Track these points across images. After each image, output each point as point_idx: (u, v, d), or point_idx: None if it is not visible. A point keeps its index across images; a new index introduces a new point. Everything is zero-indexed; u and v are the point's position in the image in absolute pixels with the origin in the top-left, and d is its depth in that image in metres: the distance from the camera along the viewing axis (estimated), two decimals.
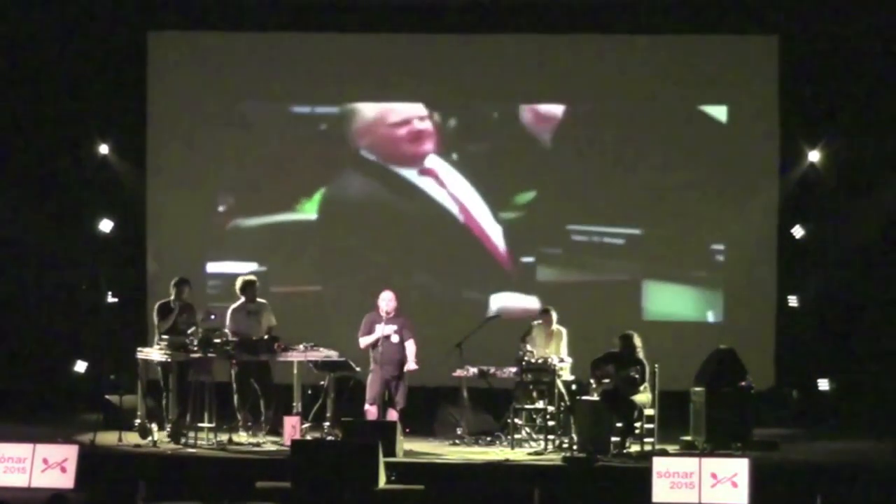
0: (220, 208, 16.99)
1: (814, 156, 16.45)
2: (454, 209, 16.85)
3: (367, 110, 16.92)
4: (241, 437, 13.85)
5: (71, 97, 16.53)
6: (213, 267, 16.86)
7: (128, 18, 16.68)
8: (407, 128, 16.91)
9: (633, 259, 16.77)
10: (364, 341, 14.08)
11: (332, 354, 14.01)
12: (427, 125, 16.88)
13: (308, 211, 17.00)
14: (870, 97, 16.05)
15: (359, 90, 16.86)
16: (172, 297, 14.05)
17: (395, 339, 13.98)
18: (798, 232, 16.45)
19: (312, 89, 16.96)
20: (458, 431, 14.23)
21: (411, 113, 16.90)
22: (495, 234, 16.83)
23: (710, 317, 16.72)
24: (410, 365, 13.95)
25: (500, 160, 16.85)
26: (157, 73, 16.89)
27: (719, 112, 16.74)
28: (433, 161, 16.87)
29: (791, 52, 16.40)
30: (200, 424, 13.49)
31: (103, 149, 16.79)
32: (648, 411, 13.55)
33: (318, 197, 16.98)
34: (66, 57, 16.48)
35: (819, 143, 16.39)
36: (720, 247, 16.70)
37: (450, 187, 16.85)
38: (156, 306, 14.12)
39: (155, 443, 13.39)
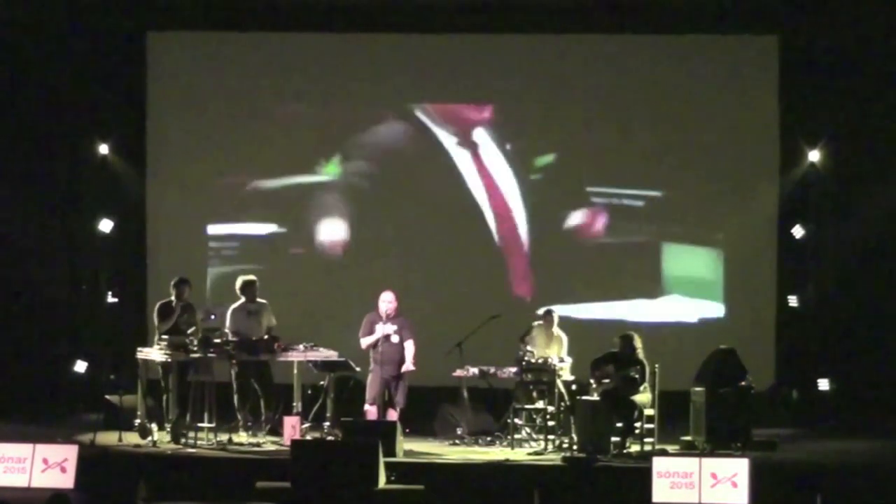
0: (220, 208, 16.97)
1: (814, 156, 16.44)
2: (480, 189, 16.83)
3: None
4: (241, 437, 13.84)
5: (71, 97, 16.53)
6: (213, 266, 16.85)
7: (128, 18, 16.67)
8: None
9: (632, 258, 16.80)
10: (365, 342, 14.10)
11: (332, 354, 14.02)
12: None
13: (309, 211, 16.98)
14: (870, 97, 16.04)
15: (360, 91, 16.85)
16: (173, 298, 14.05)
17: (395, 339, 14.00)
18: (798, 232, 16.44)
19: (312, 89, 16.94)
20: (458, 431, 14.24)
21: None
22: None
23: (711, 317, 16.70)
24: (408, 366, 13.96)
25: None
26: (157, 73, 16.89)
27: (719, 112, 16.72)
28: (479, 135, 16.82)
29: (791, 52, 16.39)
30: (200, 424, 13.49)
31: (103, 149, 16.78)
32: (648, 411, 13.55)
33: (319, 197, 16.98)
34: (65, 57, 16.48)
35: (819, 143, 16.39)
36: (720, 247, 16.68)
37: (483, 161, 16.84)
38: (157, 306, 14.12)
39: (155, 443, 13.39)
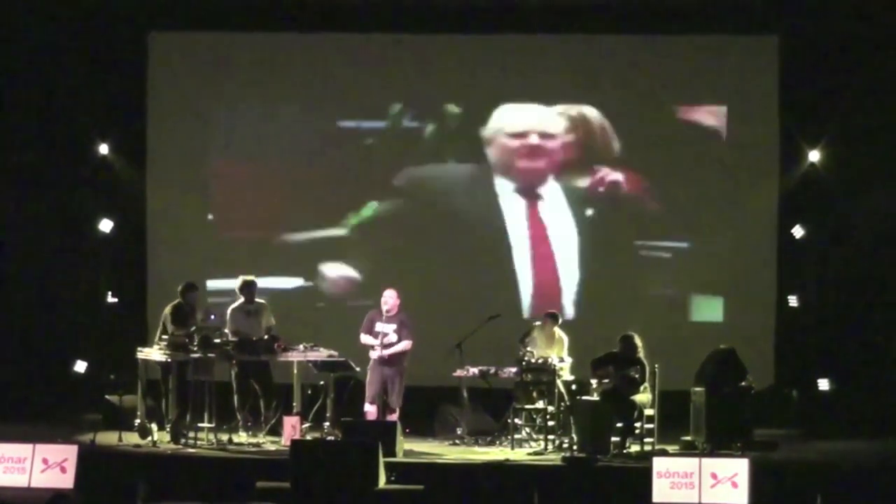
0: (221, 208, 16.96)
1: (814, 156, 16.44)
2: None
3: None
4: (241, 437, 13.85)
5: (71, 97, 16.53)
6: (212, 266, 16.83)
7: (128, 18, 16.66)
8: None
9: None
10: (363, 340, 14.13)
11: (333, 354, 14.02)
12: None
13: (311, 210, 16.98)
14: (870, 97, 16.03)
15: (359, 90, 16.84)
16: (183, 301, 14.02)
17: (392, 338, 14.00)
18: (798, 232, 16.44)
19: (312, 89, 16.93)
20: (458, 431, 14.24)
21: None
22: None
23: (710, 317, 16.69)
24: (379, 350, 13.90)
25: None
26: (157, 73, 16.88)
27: (719, 112, 16.72)
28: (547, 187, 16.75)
29: (791, 52, 16.38)
30: (200, 424, 13.50)
31: (103, 149, 16.78)
32: (648, 411, 13.55)
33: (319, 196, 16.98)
34: (66, 57, 16.47)
35: (819, 143, 16.39)
36: (720, 247, 16.66)
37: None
38: (169, 309, 14.05)
39: (155, 443, 13.40)
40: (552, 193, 16.70)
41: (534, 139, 16.69)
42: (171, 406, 13.73)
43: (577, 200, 16.68)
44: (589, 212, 16.66)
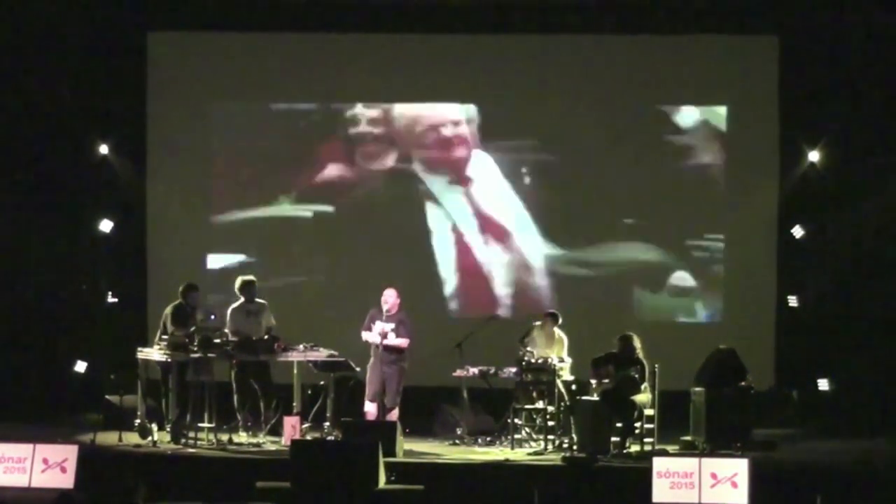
0: (220, 208, 16.96)
1: (814, 156, 16.45)
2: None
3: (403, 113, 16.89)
4: (241, 437, 13.85)
5: (71, 97, 16.53)
6: (212, 264, 16.84)
7: (128, 18, 16.67)
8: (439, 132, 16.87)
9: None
10: (363, 336, 14.16)
11: (333, 354, 14.02)
12: (462, 129, 16.82)
13: (308, 208, 16.97)
14: (870, 97, 16.03)
15: (360, 90, 16.85)
16: (184, 302, 14.02)
17: (391, 336, 14.01)
18: (798, 232, 16.44)
19: (313, 89, 16.93)
20: (458, 431, 14.24)
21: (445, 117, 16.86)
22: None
23: (710, 317, 16.70)
24: (375, 337, 13.93)
25: None
26: (157, 73, 16.89)
27: (718, 112, 16.72)
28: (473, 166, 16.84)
29: (791, 52, 16.39)
30: (200, 424, 13.50)
31: (103, 149, 16.79)
32: (648, 411, 13.55)
33: (317, 195, 16.98)
34: (65, 57, 16.48)
35: (819, 143, 16.39)
36: (720, 247, 16.68)
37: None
38: (170, 310, 14.05)
39: (155, 443, 13.40)
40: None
41: None
42: (171, 406, 13.73)
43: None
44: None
